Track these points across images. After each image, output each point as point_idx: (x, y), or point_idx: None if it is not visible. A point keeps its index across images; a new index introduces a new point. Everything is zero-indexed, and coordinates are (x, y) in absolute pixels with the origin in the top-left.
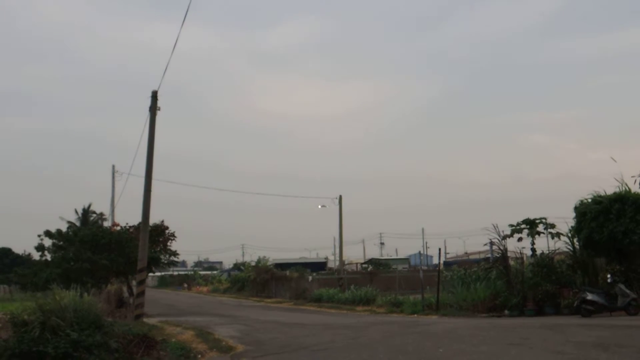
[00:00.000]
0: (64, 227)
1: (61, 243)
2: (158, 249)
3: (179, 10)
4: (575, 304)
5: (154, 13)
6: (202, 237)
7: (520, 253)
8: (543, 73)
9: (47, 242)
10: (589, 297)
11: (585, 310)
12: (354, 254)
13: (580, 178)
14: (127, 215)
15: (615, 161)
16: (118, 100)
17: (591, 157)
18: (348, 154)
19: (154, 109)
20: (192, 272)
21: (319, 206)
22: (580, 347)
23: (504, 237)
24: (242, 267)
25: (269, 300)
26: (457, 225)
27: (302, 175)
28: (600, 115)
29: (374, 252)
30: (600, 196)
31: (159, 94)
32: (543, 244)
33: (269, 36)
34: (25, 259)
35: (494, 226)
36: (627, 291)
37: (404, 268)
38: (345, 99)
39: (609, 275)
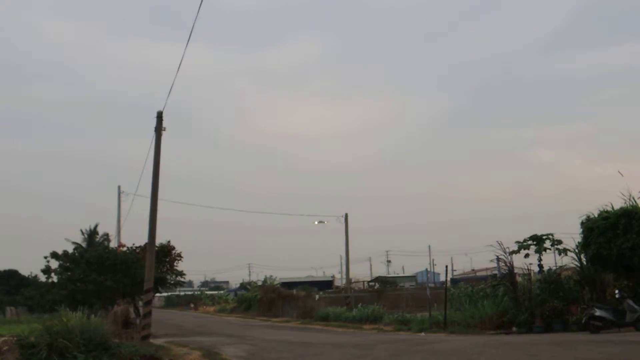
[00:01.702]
0: (70, 249)
1: (67, 264)
2: (164, 270)
3: (183, 32)
4: (583, 320)
5: (159, 34)
6: (209, 257)
7: (528, 269)
8: (547, 88)
9: (54, 263)
10: (597, 313)
11: (594, 326)
12: (361, 272)
13: (586, 193)
14: (134, 236)
15: (622, 175)
16: (124, 121)
17: (596, 172)
18: (353, 172)
19: (159, 129)
20: (198, 292)
21: (316, 222)
22: None
23: (511, 254)
24: (248, 287)
25: (275, 319)
26: (464, 242)
27: (307, 193)
28: (604, 129)
29: (380, 270)
30: (607, 211)
31: (164, 115)
32: (550, 260)
33: (272, 56)
34: (32, 281)
35: (499, 243)
36: (636, 307)
37: (411, 286)
38: (349, 117)
39: (617, 291)
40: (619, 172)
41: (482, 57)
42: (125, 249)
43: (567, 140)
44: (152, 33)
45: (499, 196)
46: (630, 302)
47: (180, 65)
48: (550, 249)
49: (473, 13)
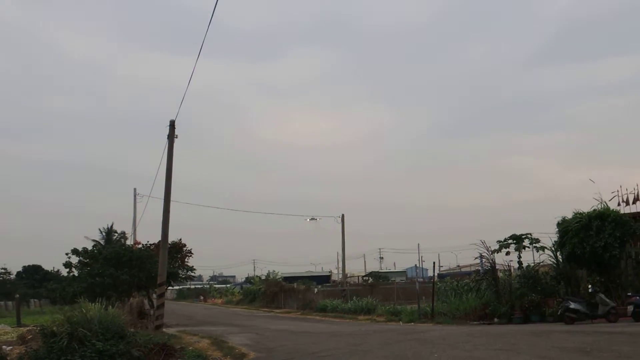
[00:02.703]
0: (89, 246)
1: (87, 260)
2: (176, 265)
3: (192, 47)
4: (559, 312)
5: (170, 50)
6: (217, 253)
7: (508, 266)
8: (527, 100)
9: (74, 259)
10: (572, 306)
11: (569, 318)
12: (356, 268)
13: (562, 198)
14: (148, 234)
15: (593, 182)
16: (139, 131)
17: (571, 179)
18: (349, 180)
19: (171, 136)
20: (207, 286)
21: (308, 219)
22: (564, 352)
23: (493, 252)
24: (253, 281)
25: (278, 310)
26: (450, 241)
27: (305, 200)
28: (578, 139)
29: (374, 266)
30: (580, 214)
31: (176, 123)
32: (529, 257)
33: (273, 69)
34: (54, 275)
35: (482, 242)
36: (607, 300)
37: (401, 280)
38: (343, 129)
39: (590, 286)
40: (590, 179)
41: (467, 70)
42: (140, 246)
43: (543, 149)
44: (166, 49)
45: (482, 199)
46: (602, 296)
47: (190, 79)
48: (529, 247)
49: (459, 33)
